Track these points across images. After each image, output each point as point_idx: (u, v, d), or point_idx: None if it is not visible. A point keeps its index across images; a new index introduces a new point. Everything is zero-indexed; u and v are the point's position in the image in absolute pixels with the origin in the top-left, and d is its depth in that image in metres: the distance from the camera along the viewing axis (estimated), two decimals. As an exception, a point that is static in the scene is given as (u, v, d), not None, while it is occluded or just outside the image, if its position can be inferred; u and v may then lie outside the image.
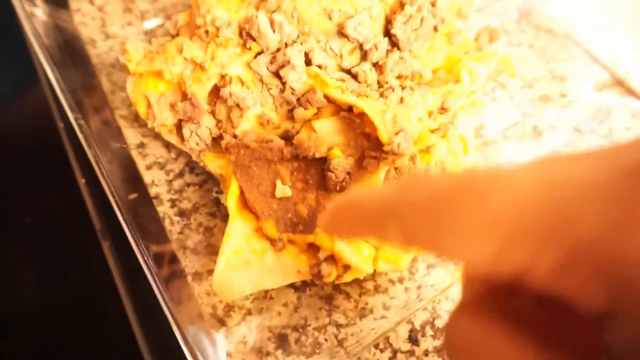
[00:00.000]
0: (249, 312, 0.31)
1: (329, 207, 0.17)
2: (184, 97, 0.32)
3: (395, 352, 0.30)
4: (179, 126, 0.32)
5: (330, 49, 0.31)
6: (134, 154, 0.35)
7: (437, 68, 0.34)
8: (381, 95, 0.31)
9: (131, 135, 0.35)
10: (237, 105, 0.31)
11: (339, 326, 0.30)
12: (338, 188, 0.30)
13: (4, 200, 0.38)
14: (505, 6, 0.45)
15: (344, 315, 0.31)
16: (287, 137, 0.31)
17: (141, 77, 0.32)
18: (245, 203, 0.30)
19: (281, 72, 0.30)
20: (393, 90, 0.31)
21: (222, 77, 0.31)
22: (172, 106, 0.32)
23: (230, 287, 0.27)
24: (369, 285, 0.32)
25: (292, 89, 0.30)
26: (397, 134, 0.29)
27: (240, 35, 0.31)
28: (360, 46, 0.31)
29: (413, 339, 0.30)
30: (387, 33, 0.32)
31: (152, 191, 0.34)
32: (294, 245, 0.29)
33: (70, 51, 0.38)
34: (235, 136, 0.31)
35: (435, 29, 0.33)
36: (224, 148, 0.30)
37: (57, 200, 0.39)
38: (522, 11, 0.44)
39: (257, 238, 0.29)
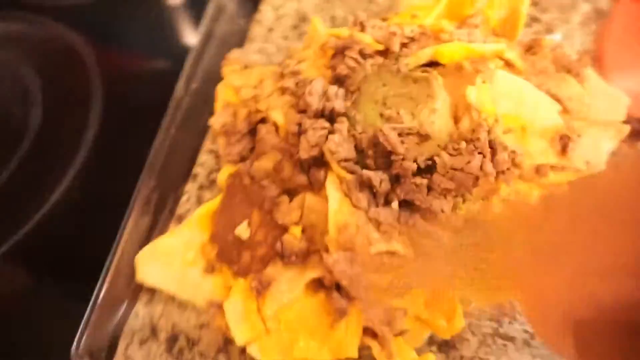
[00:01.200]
0: (167, 302, 0.35)
1: None
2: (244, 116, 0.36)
3: None
4: (224, 133, 0.37)
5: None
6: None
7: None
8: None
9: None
10: (263, 142, 0.34)
11: None
12: (285, 260, 0.31)
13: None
14: None
15: None
16: (289, 192, 0.33)
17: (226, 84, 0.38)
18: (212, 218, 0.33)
19: (302, 137, 0.32)
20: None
21: (266, 115, 0.34)
22: (231, 114, 0.37)
23: (143, 269, 0.31)
24: None
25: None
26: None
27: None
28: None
29: None
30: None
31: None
32: (220, 275, 0.32)
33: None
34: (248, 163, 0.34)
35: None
36: (232, 172, 0.34)
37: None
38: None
39: (196, 251, 0.32)
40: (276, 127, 0.34)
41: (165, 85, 0.42)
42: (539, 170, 0.32)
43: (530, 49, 0.36)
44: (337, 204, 0.29)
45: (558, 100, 0.32)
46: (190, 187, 0.40)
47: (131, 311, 0.35)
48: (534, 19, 0.46)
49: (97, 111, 0.47)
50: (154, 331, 0.34)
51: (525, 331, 0.32)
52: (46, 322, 0.38)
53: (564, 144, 0.29)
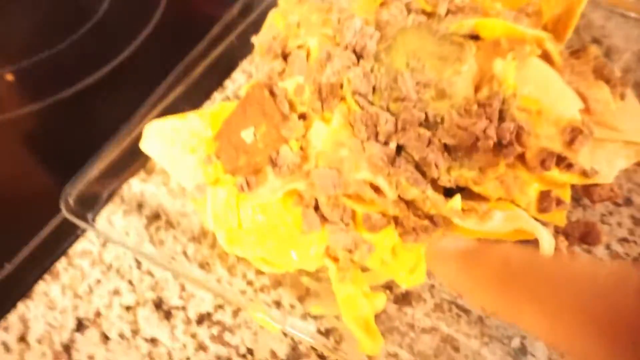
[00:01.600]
0: (160, 185, 0.37)
1: None
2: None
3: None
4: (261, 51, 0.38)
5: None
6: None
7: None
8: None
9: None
10: (292, 65, 0.35)
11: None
12: (277, 169, 0.32)
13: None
14: None
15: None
16: (302, 116, 0.35)
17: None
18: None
19: (328, 63, 0.33)
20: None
21: (302, 42, 0.36)
22: (272, 36, 0.38)
23: (148, 139, 0.33)
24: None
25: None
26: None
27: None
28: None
29: None
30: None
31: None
32: (215, 168, 0.33)
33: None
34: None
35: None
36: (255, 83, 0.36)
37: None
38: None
39: (199, 141, 0.34)
40: (308, 54, 0.35)
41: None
42: (544, 162, 0.32)
43: (575, 53, 0.36)
44: (338, 125, 0.30)
45: (584, 99, 0.31)
46: (216, 96, 0.42)
47: (126, 182, 0.37)
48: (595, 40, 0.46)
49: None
50: (139, 206, 0.36)
51: (483, 309, 0.32)
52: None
53: (573, 136, 0.29)
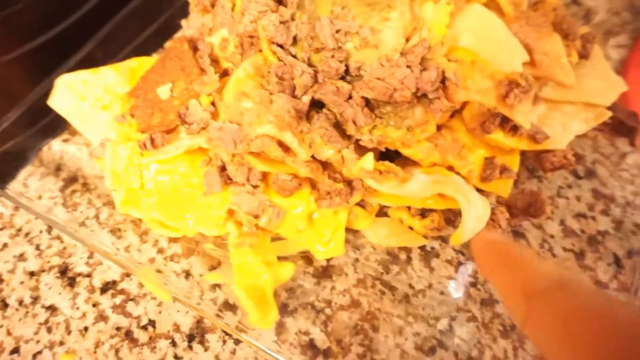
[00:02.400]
0: (81, 148, 0.34)
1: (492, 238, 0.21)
2: None
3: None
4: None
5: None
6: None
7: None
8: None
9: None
10: (216, 17, 0.32)
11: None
12: (187, 127, 0.29)
13: None
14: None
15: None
16: (225, 72, 0.32)
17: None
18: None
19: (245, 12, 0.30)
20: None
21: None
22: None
23: (58, 94, 0.31)
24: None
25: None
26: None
27: None
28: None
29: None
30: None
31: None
32: (128, 126, 0.31)
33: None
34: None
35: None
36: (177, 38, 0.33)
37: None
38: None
39: (114, 97, 0.31)
40: (234, 6, 0.32)
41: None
42: (484, 123, 0.28)
43: (535, 4, 0.32)
44: (243, 74, 0.27)
45: (530, 51, 0.28)
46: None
47: (46, 143, 0.35)
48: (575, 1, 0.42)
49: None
50: (57, 168, 0.34)
51: (411, 286, 0.29)
52: None
53: (509, 89, 0.25)
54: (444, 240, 0.31)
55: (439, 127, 0.29)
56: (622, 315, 0.14)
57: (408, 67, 0.25)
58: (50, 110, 0.33)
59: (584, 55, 0.31)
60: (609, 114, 0.29)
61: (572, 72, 0.28)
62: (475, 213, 0.26)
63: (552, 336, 0.15)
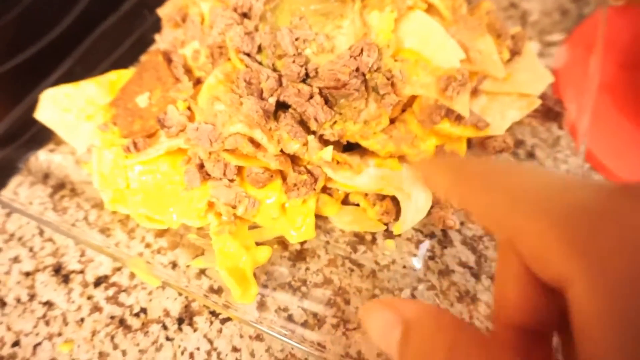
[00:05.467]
0: (67, 156, 0.37)
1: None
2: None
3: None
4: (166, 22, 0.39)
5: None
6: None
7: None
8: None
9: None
10: (187, 30, 0.36)
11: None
12: (166, 130, 0.32)
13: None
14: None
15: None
16: (198, 80, 0.35)
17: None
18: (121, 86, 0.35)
19: (214, 25, 0.33)
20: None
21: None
22: (175, 6, 0.39)
23: (43, 107, 0.33)
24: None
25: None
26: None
27: None
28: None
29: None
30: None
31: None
32: (111, 134, 0.34)
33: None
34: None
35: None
36: (151, 50, 0.36)
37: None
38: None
39: (96, 108, 0.34)
40: (203, 20, 0.36)
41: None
42: (431, 114, 0.32)
43: (472, 9, 0.36)
44: (215, 80, 0.30)
45: (466, 50, 0.32)
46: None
47: (33, 154, 0.37)
48: (512, 4, 0.46)
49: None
50: (45, 176, 0.37)
51: (377, 262, 0.32)
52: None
53: (447, 83, 0.29)
54: (404, 220, 0.34)
55: (392, 120, 0.32)
56: None
57: (351, 56, 0.29)
58: (34, 123, 0.36)
59: (516, 52, 0.35)
60: (539, 101, 0.34)
61: (503, 66, 0.32)
62: (415, 207, 0.30)
63: None
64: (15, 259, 0.33)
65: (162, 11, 0.39)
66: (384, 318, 0.18)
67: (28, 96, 0.36)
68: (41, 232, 0.35)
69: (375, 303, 0.18)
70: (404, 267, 0.33)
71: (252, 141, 0.30)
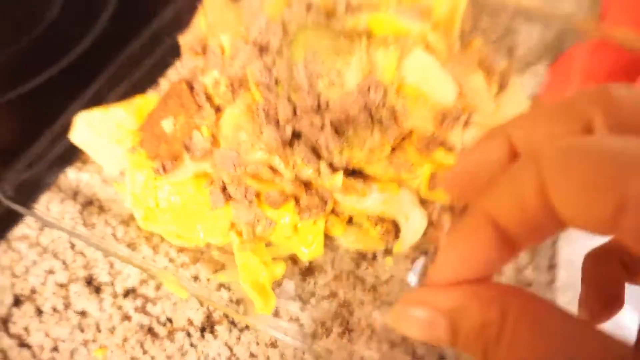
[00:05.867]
0: (94, 174, 0.40)
1: None
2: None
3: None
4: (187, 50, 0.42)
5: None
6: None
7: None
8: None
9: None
10: (208, 61, 0.39)
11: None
12: (191, 154, 0.35)
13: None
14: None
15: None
16: (218, 108, 0.38)
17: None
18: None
19: (235, 58, 0.37)
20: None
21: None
22: (196, 35, 0.42)
23: (77, 130, 0.37)
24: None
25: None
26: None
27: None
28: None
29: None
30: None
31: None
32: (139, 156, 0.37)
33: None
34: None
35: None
36: (177, 80, 0.39)
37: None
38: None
39: (125, 133, 0.37)
40: (223, 51, 0.39)
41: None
42: (428, 144, 0.36)
43: (464, 47, 0.40)
44: (238, 110, 0.34)
45: (460, 85, 0.35)
46: (151, 93, 0.45)
47: (62, 171, 0.40)
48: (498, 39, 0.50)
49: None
50: (75, 194, 0.40)
51: (377, 277, 0.36)
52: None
53: (443, 118, 0.33)
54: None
55: (393, 149, 0.36)
56: None
57: (360, 93, 0.33)
58: (62, 141, 0.39)
59: (503, 86, 0.39)
60: None
61: (492, 101, 0.36)
62: (413, 228, 0.34)
63: None
64: (50, 271, 0.37)
65: (182, 40, 0.42)
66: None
67: (61, 117, 0.39)
68: (72, 246, 0.38)
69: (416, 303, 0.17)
70: (402, 281, 0.36)
71: (270, 167, 0.33)
